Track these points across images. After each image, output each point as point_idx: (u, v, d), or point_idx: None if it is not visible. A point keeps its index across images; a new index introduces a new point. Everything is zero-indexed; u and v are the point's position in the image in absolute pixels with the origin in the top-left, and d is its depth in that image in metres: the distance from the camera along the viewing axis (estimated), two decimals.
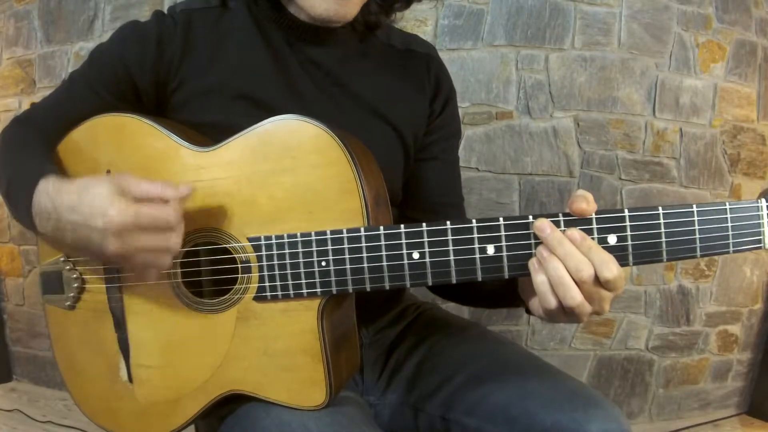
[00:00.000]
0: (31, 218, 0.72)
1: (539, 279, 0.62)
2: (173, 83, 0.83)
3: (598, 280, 0.60)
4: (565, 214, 0.62)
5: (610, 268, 0.60)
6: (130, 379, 0.78)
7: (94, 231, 0.65)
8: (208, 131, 0.79)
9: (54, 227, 0.70)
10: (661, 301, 1.98)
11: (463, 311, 1.84)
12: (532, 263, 0.63)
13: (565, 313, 0.63)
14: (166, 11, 0.86)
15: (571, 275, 0.60)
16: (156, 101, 0.85)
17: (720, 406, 2.10)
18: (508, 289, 0.77)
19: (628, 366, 2.00)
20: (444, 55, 1.01)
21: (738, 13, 1.93)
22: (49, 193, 0.69)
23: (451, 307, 1.08)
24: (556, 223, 0.62)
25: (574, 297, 0.61)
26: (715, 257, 2.01)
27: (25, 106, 2.10)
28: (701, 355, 2.05)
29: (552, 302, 0.62)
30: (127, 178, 0.66)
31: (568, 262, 0.60)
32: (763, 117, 2.00)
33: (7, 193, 0.77)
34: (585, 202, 0.61)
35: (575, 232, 0.61)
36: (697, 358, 2.05)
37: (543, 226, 0.62)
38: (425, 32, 1.81)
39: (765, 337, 2.09)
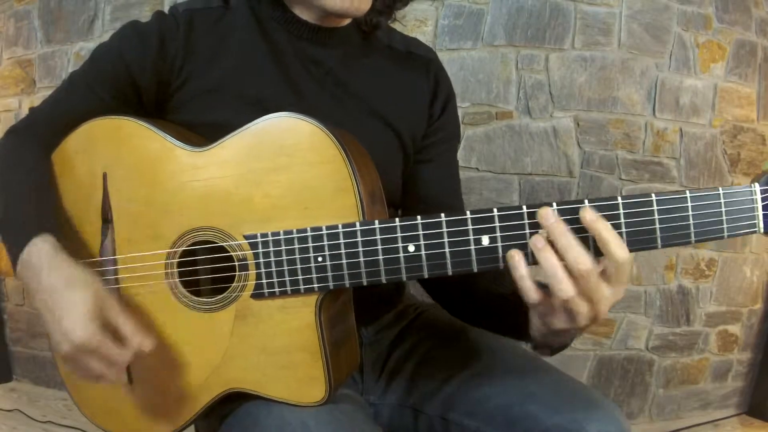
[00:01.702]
0: (14, 259, 0.73)
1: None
2: (175, 83, 0.83)
3: (599, 277, 0.60)
4: (559, 204, 0.62)
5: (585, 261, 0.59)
6: (130, 380, 0.78)
7: (58, 329, 0.68)
8: (209, 130, 0.79)
9: (29, 286, 0.71)
10: (661, 301, 1.98)
11: None
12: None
13: (564, 312, 0.63)
14: (166, 11, 0.86)
15: (569, 267, 0.60)
16: (157, 101, 0.85)
17: (720, 406, 2.10)
18: (515, 315, 0.75)
19: (628, 366, 2.00)
20: (444, 55, 1.02)
21: (738, 13, 1.93)
22: (41, 258, 0.71)
23: None
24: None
25: (566, 290, 0.60)
26: (715, 257, 2.01)
27: (25, 106, 2.10)
28: (701, 355, 2.05)
29: (535, 297, 0.62)
30: (112, 304, 0.70)
31: (567, 254, 0.60)
32: (763, 117, 2.00)
33: (1, 226, 0.77)
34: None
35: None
36: (697, 358, 2.05)
37: (547, 214, 0.61)
38: (425, 32, 1.81)
39: (765, 337, 2.09)
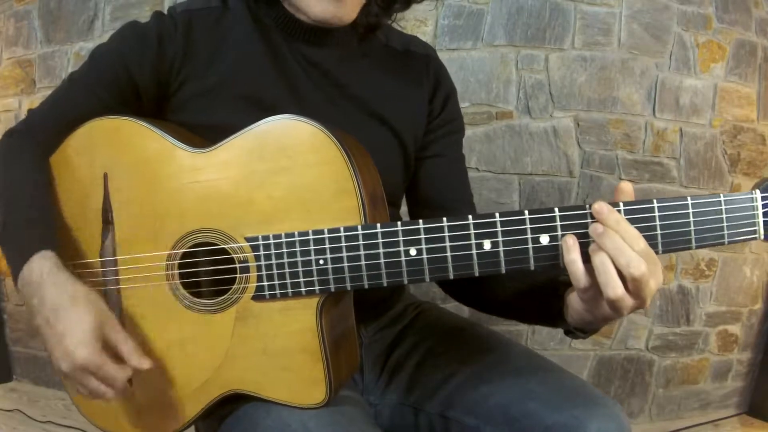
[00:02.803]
0: (15, 272, 0.73)
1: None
2: (174, 84, 0.83)
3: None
4: (561, 209, 0.62)
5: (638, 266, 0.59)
6: (130, 381, 0.78)
7: (58, 347, 0.68)
8: (207, 132, 0.79)
9: (31, 302, 0.72)
10: (661, 301, 1.98)
11: (463, 311, 1.84)
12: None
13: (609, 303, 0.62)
14: (166, 11, 0.86)
15: (621, 271, 0.59)
16: (156, 102, 0.85)
17: (720, 406, 2.10)
18: (551, 310, 0.75)
19: (628, 366, 2.00)
20: (444, 55, 1.02)
21: (738, 13, 1.93)
22: (43, 275, 0.71)
23: (450, 306, 1.08)
24: (549, 218, 0.62)
25: (616, 288, 0.60)
26: (715, 257, 2.01)
27: (25, 106, 2.10)
28: (701, 355, 2.05)
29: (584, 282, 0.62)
30: (113, 323, 0.71)
31: (619, 258, 0.59)
32: (763, 117, 2.00)
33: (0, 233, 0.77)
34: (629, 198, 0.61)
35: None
36: (697, 358, 2.05)
37: (602, 209, 0.61)
38: (425, 32, 1.81)
39: (765, 337, 2.09)
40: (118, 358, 0.70)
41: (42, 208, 0.78)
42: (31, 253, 0.72)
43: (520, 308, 0.86)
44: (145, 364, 0.71)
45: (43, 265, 0.71)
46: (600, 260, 0.60)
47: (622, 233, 0.60)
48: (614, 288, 0.59)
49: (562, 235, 0.62)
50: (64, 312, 0.69)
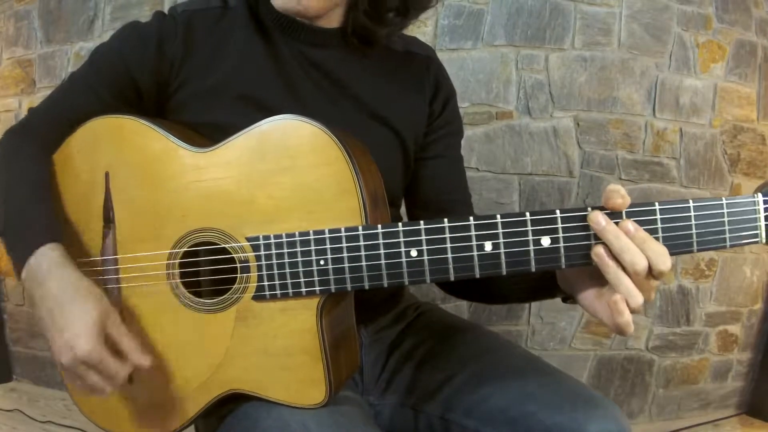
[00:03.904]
0: (19, 265, 0.73)
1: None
2: (174, 84, 0.83)
3: (650, 272, 0.60)
4: (563, 211, 0.62)
5: (665, 261, 0.59)
6: (130, 379, 0.78)
7: (60, 339, 0.68)
8: (208, 131, 0.80)
9: (34, 294, 0.71)
10: (661, 301, 1.98)
11: (463, 311, 1.84)
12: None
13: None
14: (166, 11, 0.86)
15: (626, 268, 0.60)
16: (156, 101, 0.85)
17: (720, 406, 2.10)
18: (543, 282, 0.76)
19: (628, 366, 2.00)
20: (444, 55, 1.02)
21: (738, 13, 1.93)
22: (50, 268, 0.71)
23: (450, 307, 1.08)
24: (551, 220, 0.62)
25: (636, 298, 0.61)
26: (716, 257, 2.01)
27: (25, 106, 2.10)
28: (701, 355, 2.05)
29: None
30: (115, 319, 0.71)
31: (624, 256, 0.60)
32: (763, 117, 2.00)
33: (2, 228, 0.77)
34: (620, 198, 0.60)
35: (629, 224, 0.60)
36: (697, 358, 2.05)
37: (598, 218, 0.61)
38: (425, 32, 1.81)
39: (765, 337, 2.09)
40: (118, 354, 0.70)
41: (46, 200, 0.78)
42: (37, 245, 0.72)
43: (518, 295, 0.88)
44: (146, 361, 0.71)
45: (50, 257, 0.71)
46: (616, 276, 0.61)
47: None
48: (635, 298, 0.60)
49: (563, 237, 0.63)
50: (68, 305, 0.69)
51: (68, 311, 0.69)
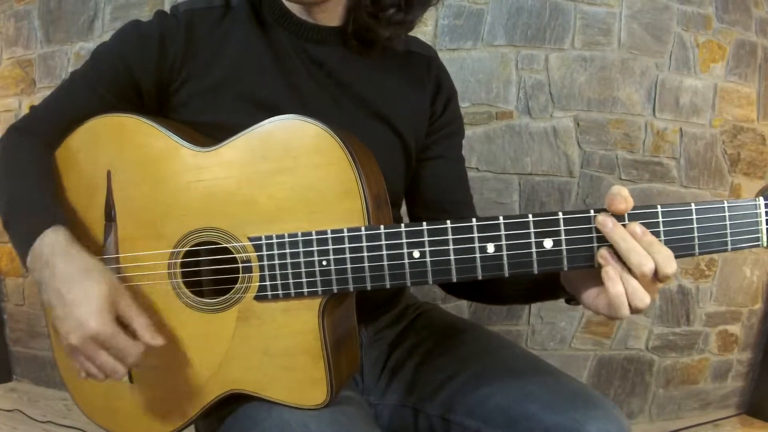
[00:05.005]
0: (24, 250, 0.72)
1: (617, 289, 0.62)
2: (176, 83, 0.83)
3: (655, 275, 0.60)
4: (565, 213, 0.62)
5: (671, 265, 0.60)
6: (131, 379, 0.78)
7: (69, 317, 0.67)
8: (209, 131, 0.80)
9: (41, 276, 0.71)
10: (661, 301, 1.99)
11: (463, 311, 1.84)
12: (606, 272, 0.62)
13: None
14: (167, 11, 0.86)
15: (633, 270, 0.60)
16: (158, 101, 0.85)
17: (720, 406, 2.10)
18: (546, 284, 0.76)
19: (628, 366, 2.01)
20: (444, 55, 1.02)
21: (738, 13, 1.93)
22: (55, 249, 0.70)
23: (450, 307, 1.08)
24: (553, 222, 0.62)
25: (643, 299, 0.61)
26: (716, 257, 2.01)
27: (25, 106, 2.10)
28: (701, 355, 2.05)
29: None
30: (126, 297, 0.70)
31: (631, 258, 0.60)
32: (763, 117, 2.00)
33: (6, 217, 0.77)
34: (624, 203, 0.61)
35: (636, 227, 0.60)
36: (697, 358, 2.05)
37: (606, 221, 0.61)
38: (425, 32, 1.81)
39: (765, 337, 2.09)
40: (130, 335, 0.69)
41: (48, 189, 0.78)
42: (42, 228, 0.71)
43: (520, 296, 0.87)
44: (158, 340, 0.70)
45: (55, 240, 0.71)
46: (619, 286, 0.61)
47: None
48: (642, 298, 0.61)
49: (566, 240, 0.63)
50: (77, 283, 0.68)
51: (77, 289, 0.68)
